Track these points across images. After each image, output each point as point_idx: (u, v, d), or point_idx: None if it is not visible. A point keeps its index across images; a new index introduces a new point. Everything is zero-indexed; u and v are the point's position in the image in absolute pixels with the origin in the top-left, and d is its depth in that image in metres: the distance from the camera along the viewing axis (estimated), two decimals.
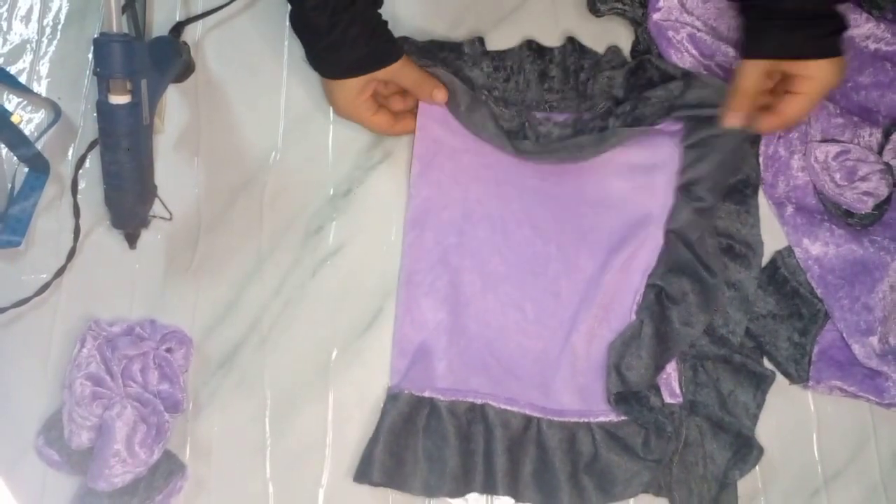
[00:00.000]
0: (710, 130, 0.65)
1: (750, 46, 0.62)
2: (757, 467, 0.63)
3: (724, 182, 0.66)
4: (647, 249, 0.65)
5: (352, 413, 0.64)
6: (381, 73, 0.64)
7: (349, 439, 0.63)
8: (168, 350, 0.62)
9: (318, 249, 0.67)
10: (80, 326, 0.63)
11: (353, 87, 0.64)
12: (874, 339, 0.65)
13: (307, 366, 0.65)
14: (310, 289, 0.66)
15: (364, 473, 0.61)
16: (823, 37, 0.61)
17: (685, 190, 0.66)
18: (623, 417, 0.63)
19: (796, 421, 0.65)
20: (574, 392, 0.64)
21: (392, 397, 0.63)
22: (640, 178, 0.67)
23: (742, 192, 0.68)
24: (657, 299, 0.65)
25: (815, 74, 0.61)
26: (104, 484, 0.58)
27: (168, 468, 0.61)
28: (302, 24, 0.63)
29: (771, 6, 0.60)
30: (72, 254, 0.65)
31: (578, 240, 0.66)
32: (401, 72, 0.65)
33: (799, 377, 0.65)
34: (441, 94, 0.67)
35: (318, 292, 0.66)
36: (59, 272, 0.65)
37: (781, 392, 0.65)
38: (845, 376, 0.64)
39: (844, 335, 0.65)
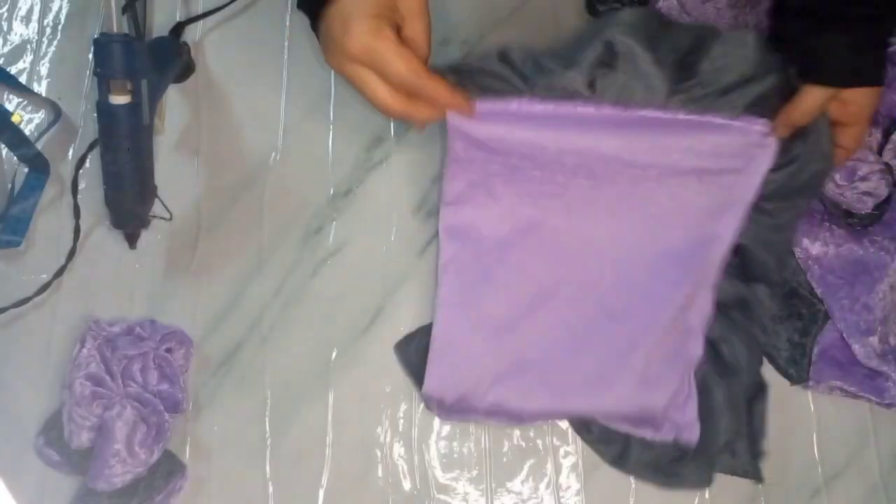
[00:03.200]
0: (801, 149, 0.58)
1: (812, 69, 0.57)
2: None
3: (800, 197, 0.61)
4: (712, 269, 0.61)
5: (352, 413, 0.64)
6: None
7: (349, 439, 0.63)
8: (168, 350, 0.62)
9: (318, 249, 0.67)
10: (79, 326, 0.63)
11: (366, 6, 0.51)
12: (874, 339, 0.65)
13: (307, 366, 0.65)
14: (310, 289, 0.66)
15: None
16: (881, 64, 0.58)
17: (755, 205, 0.60)
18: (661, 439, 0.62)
19: (796, 421, 0.65)
20: (624, 409, 0.62)
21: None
22: (713, 194, 0.60)
23: None
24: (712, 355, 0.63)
25: (869, 103, 0.59)
26: (104, 484, 0.58)
27: (168, 468, 0.61)
28: None
29: (833, 22, 0.55)
30: (72, 254, 0.65)
31: (634, 254, 0.62)
32: (423, 8, 0.53)
33: (799, 377, 0.65)
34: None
35: (319, 292, 0.66)
36: (59, 272, 0.65)
37: (781, 392, 0.65)
38: (845, 376, 0.64)
39: (844, 335, 0.65)
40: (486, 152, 0.59)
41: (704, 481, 0.62)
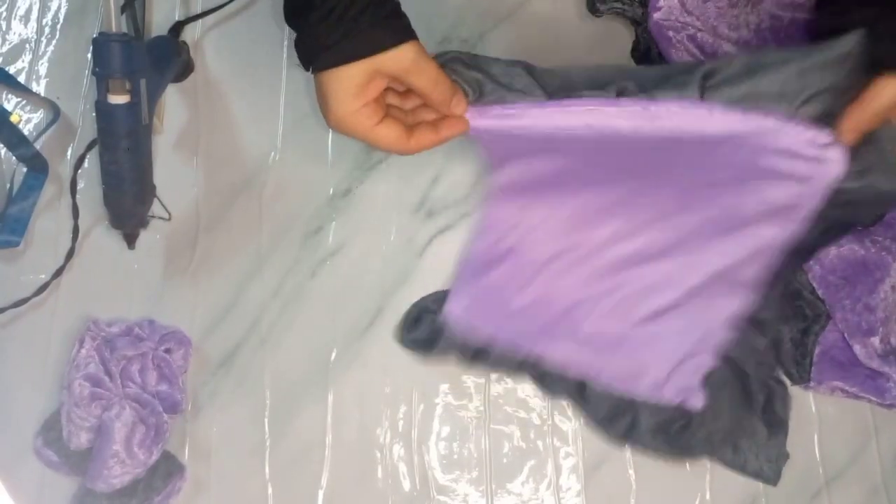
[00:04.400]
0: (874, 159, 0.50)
1: (889, 56, 0.47)
2: None
3: (850, 218, 0.57)
4: (750, 268, 0.60)
5: (352, 413, 0.64)
6: (389, 61, 0.50)
7: (349, 439, 0.63)
8: (167, 350, 0.62)
9: (317, 249, 0.67)
10: (78, 327, 0.63)
11: (352, 83, 0.50)
12: (876, 340, 0.65)
13: (307, 366, 0.65)
14: (309, 289, 0.66)
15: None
16: None
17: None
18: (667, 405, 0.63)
19: (797, 422, 0.65)
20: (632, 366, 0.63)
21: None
22: (760, 204, 0.55)
23: None
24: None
25: None
26: (103, 485, 0.58)
27: (167, 469, 0.61)
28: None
29: None
30: (70, 254, 0.65)
31: (668, 233, 0.61)
32: (415, 64, 0.50)
33: (800, 378, 0.65)
34: (462, 105, 0.53)
35: (318, 292, 0.66)
36: (58, 272, 0.64)
37: None
38: (847, 377, 0.64)
39: (846, 335, 0.65)
40: (509, 144, 0.57)
41: (709, 451, 0.63)
